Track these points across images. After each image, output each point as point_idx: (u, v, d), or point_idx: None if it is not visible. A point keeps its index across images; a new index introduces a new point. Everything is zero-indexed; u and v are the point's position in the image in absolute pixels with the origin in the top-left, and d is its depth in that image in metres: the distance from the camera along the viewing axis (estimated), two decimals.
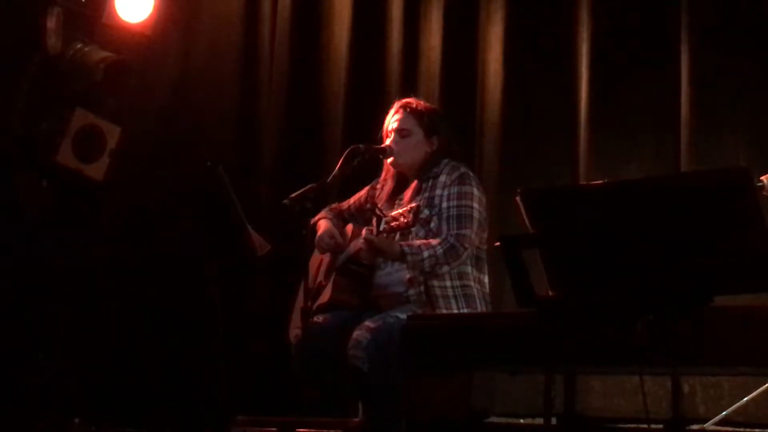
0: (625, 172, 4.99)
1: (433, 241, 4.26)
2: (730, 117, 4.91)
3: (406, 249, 4.19)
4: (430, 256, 4.21)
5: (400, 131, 4.45)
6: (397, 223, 4.11)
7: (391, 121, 4.48)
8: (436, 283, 4.29)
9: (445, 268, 4.26)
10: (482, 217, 4.36)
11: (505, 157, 5.37)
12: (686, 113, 4.95)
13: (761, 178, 3.65)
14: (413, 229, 4.30)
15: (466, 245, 4.27)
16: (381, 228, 4.18)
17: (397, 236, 4.31)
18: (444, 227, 4.30)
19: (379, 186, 4.61)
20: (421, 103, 4.53)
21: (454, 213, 4.31)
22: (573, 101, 5.22)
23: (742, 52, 4.92)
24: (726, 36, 4.95)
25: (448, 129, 4.59)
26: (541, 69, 5.35)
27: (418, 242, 4.26)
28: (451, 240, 4.25)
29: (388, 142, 4.48)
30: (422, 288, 4.29)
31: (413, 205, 4.16)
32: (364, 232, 4.24)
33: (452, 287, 4.31)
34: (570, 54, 5.25)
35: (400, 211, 4.13)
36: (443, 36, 5.57)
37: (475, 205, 4.34)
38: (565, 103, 5.25)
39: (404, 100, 4.52)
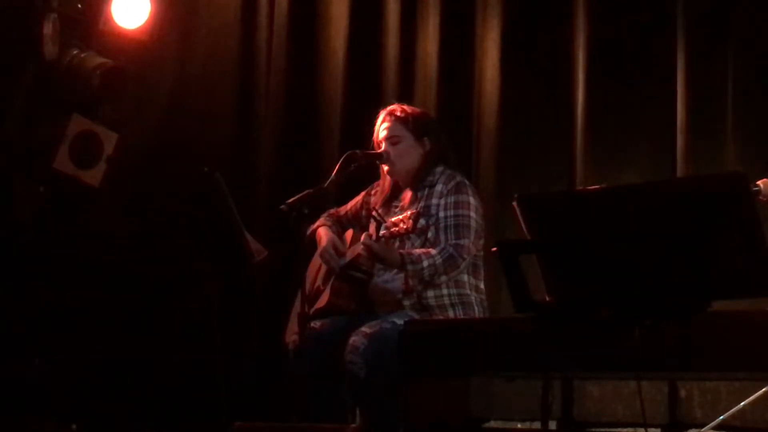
0: (622, 177, 5.00)
1: (433, 251, 4.26)
2: (726, 122, 4.92)
3: (406, 258, 4.19)
4: (429, 266, 4.21)
5: (390, 139, 4.45)
6: (397, 228, 4.11)
7: (380, 130, 4.49)
8: (431, 293, 4.29)
9: (443, 278, 4.27)
10: (479, 226, 4.37)
11: (501, 163, 5.38)
12: (682, 119, 4.96)
13: (757, 183, 3.65)
14: (411, 237, 4.30)
15: (465, 255, 4.27)
16: (380, 233, 4.18)
17: (396, 242, 4.32)
18: (442, 237, 4.30)
19: (374, 192, 4.62)
20: (406, 108, 4.53)
21: (452, 223, 4.32)
22: (570, 107, 5.23)
23: (738, 59, 4.93)
24: (722, 42, 4.96)
25: (443, 134, 4.61)
26: (538, 75, 5.36)
27: (417, 251, 4.26)
28: (450, 250, 4.25)
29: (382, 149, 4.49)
30: (416, 299, 4.29)
31: (413, 211, 4.17)
32: (363, 237, 4.25)
33: (449, 295, 4.31)
34: (567, 60, 5.26)
35: (400, 217, 4.14)
36: (440, 42, 5.58)
37: (472, 214, 4.34)
38: (562, 109, 5.26)
39: (389, 108, 4.53)
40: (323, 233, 4.54)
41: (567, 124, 5.23)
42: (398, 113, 4.48)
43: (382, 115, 4.52)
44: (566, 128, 5.23)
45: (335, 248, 4.46)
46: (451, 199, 4.35)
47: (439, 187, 4.39)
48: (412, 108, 4.57)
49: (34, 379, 5.28)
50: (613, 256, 2.88)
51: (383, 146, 4.47)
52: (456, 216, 4.32)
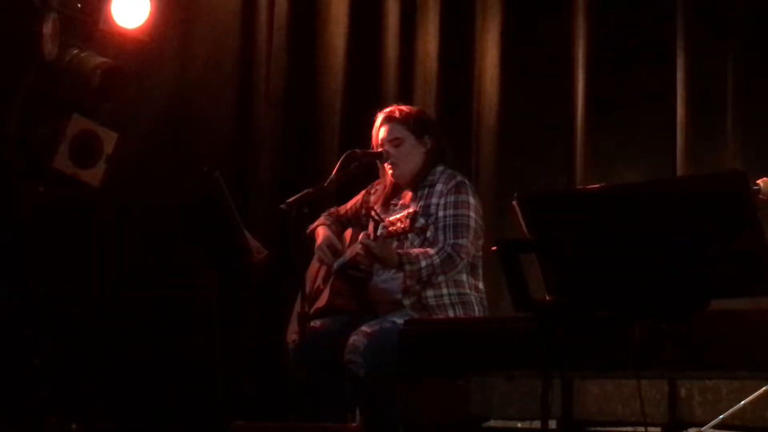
0: (622, 177, 5.00)
1: (431, 250, 4.26)
2: (726, 121, 4.92)
3: (404, 258, 4.19)
4: (427, 266, 4.21)
5: (392, 141, 4.45)
6: (395, 228, 4.12)
7: (380, 134, 4.49)
8: (431, 293, 4.29)
9: (441, 278, 4.27)
10: (478, 226, 4.37)
11: (501, 162, 5.38)
12: (682, 118, 4.96)
13: (758, 181, 3.64)
14: (409, 236, 4.30)
15: (463, 255, 4.27)
16: (378, 232, 4.19)
17: (395, 242, 4.32)
18: (441, 236, 4.31)
19: (374, 191, 4.62)
20: (403, 108, 4.54)
21: (451, 222, 4.32)
22: (570, 106, 5.23)
23: (738, 56, 4.93)
24: (722, 40, 4.96)
25: (442, 134, 4.61)
26: (538, 74, 5.36)
27: (415, 251, 4.26)
28: (448, 249, 4.25)
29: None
30: (415, 298, 4.29)
31: (410, 210, 4.17)
32: (361, 236, 4.25)
33: (449, 295, 4.31)
34: (566, 59, 5.26)
35: (398, 216, 4.14)
36: (439, 42, 5.58)
37: (472, 214, 4.35)
38: (562, 108, 5.26)
39: (387, 111, 4.53)
40: (320, 232, 4.55)
41: (567, 123, 5.23)
42: (397, 114, 4.48)
43: (379, 118, 4.52)
44: (566, 127, 5.23)
45: (329, 246, 4.47)
46: (451, 198, 4.35)
47: (439, 187, 4.39)
48: (409, 107, 4.58)
49: (34, 379, 5.27)
50: (612, 255, 2.88)
51: (385, 148, 4.47)
52: (455, 216, 4.33)
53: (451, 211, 4.33)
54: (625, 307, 2.93)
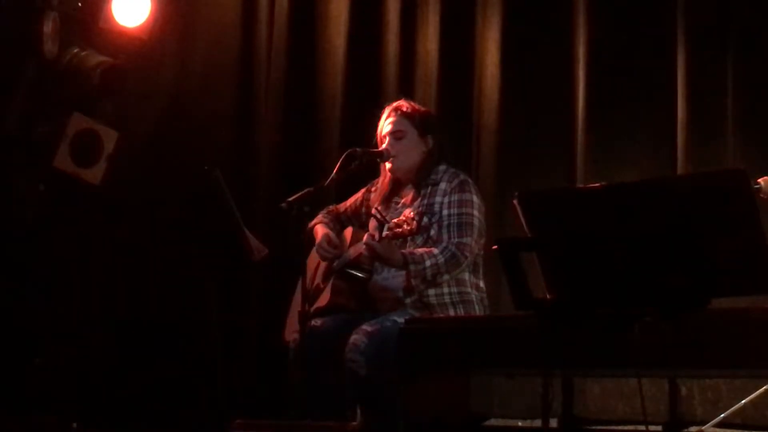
0: (622, 175, 5.00)
1: (435, 250, 4.26)
2: (726, 120, 4.92)
3: (408, 258, 4.19)
4: (432, 265, 4.21)
5: (394, 133, 4.47)
6: (401, 230, 4.11)
7: (385, 125, 4.51)
8: (432, 291, 4.29)
9: (446, 277, 4.27)
10: (481, 225, 4.38)
11: (502, 160, 5.38)
12: (683, 116, 4.96)
13: (758, 180, 3.64)
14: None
15: (467, 254, 4.27)
16: (383, 234, 4.18)
17: (398, 241, 4.31)
18: (444, 235, 4.31)
19: (374, 189, 4.62)
20: (413, 104, 4.56)
21: (455, 221, 4.32)
22: (570, 105, 5.23)
23: (738, 55, 4.93)
24: (722, 39, 4.96)
25: (444, 133, 4.62)
26: (538, 73, 5.36)
27: (419, 250, 4.26)
28: (452, 249, 4.25)
29: (384, 146, 4.50)
30: (416, 296, 4.28)
31: (416, 212, 4.17)
32: (365, 237, 4.24)
33: (450, 294, 4.31)
34: (567, 58, 5.26)
35: (403, 217, 4.14)
36: (440, 40, 5.58)
37: (475, 213, 4.35)
38: (562, 106, 5.26)
39: (395, 104, 4.55)
40: (319, 230, 4.55)
41: (567, 121, 5.23)
42: (405, 108, 4.50)
43: (387, 110, 4.55)
44: (566, 126, 5.23)
45: (329, 242, 4.47)
46: (455, 197, 4.36)
47: (443, 185, 4.40)
48: (418, 105, 4.60)
49: (34, 378, 5.27)
50: (613, 254, 2.88)
51: (387, 141, 4.48)
52: (459, 214, 4.33)
53: (455, 210, 4.34)
54: (625, 305, 2.93)
